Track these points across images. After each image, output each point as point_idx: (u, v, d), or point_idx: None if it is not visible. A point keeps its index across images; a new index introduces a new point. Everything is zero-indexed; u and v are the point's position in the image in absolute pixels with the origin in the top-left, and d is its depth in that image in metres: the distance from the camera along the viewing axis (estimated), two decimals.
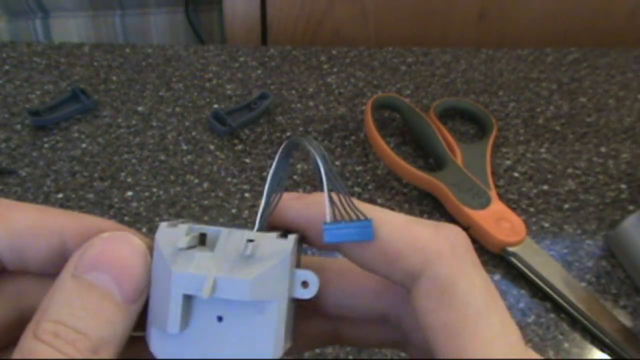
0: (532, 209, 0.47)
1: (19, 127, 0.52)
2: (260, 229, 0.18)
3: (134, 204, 0.46)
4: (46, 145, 0.51)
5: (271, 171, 0.18)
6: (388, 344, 0.21)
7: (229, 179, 0.49)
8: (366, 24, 0.73)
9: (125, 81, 0.58)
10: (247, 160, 0.50)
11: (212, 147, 0.51)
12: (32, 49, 0.61)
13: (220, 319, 0.17)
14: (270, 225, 0.19)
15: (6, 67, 0.58)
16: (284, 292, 0.17)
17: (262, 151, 0.51)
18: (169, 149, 0.51)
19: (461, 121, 0.55)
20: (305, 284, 0.17)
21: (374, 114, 0.50)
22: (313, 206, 0.18)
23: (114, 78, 0.58)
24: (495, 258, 0.43)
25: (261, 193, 0.49)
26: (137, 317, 0.18)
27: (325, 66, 0.61)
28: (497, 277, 0.42)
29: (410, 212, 0.47)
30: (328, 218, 0.17)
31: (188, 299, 0.17)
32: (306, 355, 0.37)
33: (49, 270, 0.18)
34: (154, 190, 0.48)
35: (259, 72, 0.60)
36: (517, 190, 0.48)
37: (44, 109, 0.52)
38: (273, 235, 0.17)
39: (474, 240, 0.44)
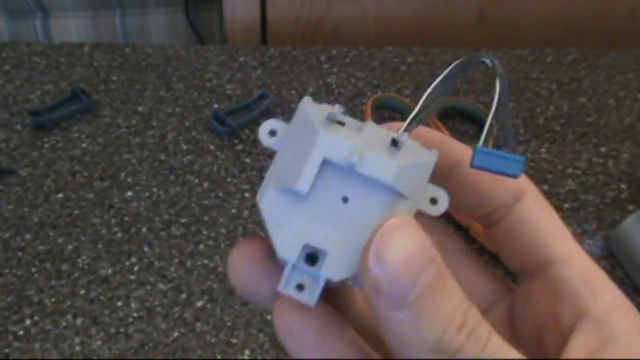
0: None
1: (19, 127, 0.52)
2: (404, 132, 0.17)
3: (134, 204, 0.46)
4: (46, 145, 0.51)
5: (437, 80, 0.17)
6: None
7: (229, 179, 0.49)
8: (366, 24, 0.73)
9: (125, 81, 0.58)
10: (247, 160, 0.50)
11: (212, 147, 0.51)
12: (32, 49, 0.61)
13: (345, 200, 0.16)
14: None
15: (6, 67, 0.58)
16: (417, 198, 0.16)
17: (262, 151, 0.51)
18: (169, 149, 0.51)
19: (461, 121, 0.55)
20: (433, 201, 0.17)
21: (374, 114, 0.50)
22: (454, 144, 0.19)
23: (114, 78, 0.58)
24: (495, 258, 0.43)
25: None
26: None
27: (325, 66, 0.61)
28: None
29: None
30: (482, 141, 0.17)
31: (323, 168, 0.15)
32: None
33: None
34: (154, 190, 0.48)
35: (259, 72, 0.60)
36: None
37: (44, 109, 0.52)
38: (417, 143, 0.17)
39: (474, 240, 0.44)
